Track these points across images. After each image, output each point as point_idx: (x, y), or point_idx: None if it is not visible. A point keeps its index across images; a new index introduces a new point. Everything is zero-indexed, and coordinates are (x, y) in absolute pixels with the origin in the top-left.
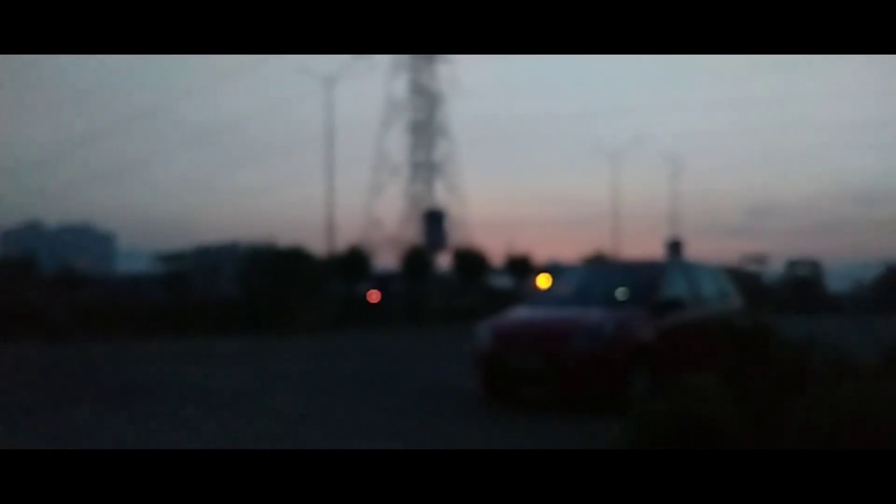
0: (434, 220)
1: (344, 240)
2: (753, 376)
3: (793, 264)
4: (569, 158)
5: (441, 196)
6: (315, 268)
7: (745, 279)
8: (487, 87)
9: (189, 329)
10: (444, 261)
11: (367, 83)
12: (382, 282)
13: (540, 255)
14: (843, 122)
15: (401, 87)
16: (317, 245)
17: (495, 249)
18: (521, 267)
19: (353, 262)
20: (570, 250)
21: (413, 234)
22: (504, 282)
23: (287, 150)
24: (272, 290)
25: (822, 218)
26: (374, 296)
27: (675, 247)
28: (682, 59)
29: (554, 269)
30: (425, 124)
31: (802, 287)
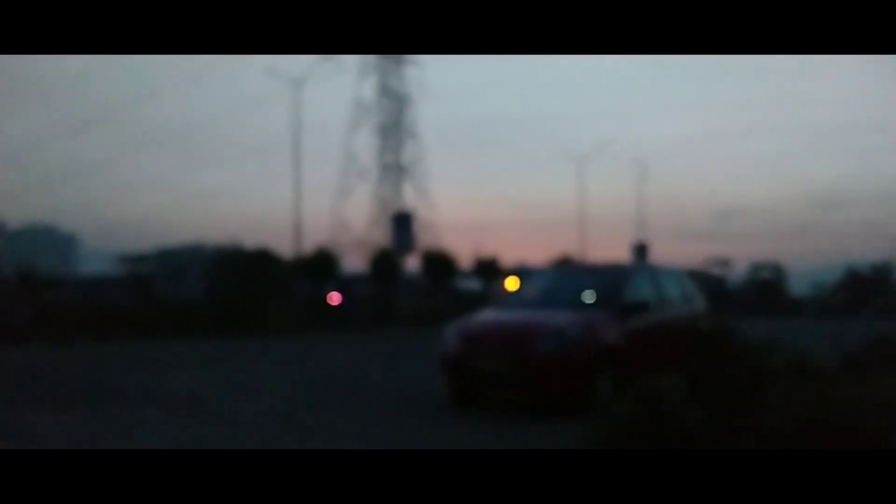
0: (402, 223)
1: (311, 242)
2: (716, 378)
3: (756, 267)
4: (537, 162)
5: (409, 198)
6: (281, 270)
7: (709, 282)
8: (456, 91)
9: (153, 332)
10: (412, 263)
11: (334, 85)
12: (343, 284)
13: (508, 258)
14: (807, 127)
15: (369, 89)
16: (283, 247)
17: (464, 252)
18: (490, 270)
19: (321, 265)
20: (538, 253)
21: (381, 236)
22: (472, 284)
23: (254, 151)
24: (238, 293)
25: (785, 222)
26: (334, 298)
27: (640, 250)
28: (648, 64)
29: (522, 272)
30: (393, 126)
31: (765, 290)
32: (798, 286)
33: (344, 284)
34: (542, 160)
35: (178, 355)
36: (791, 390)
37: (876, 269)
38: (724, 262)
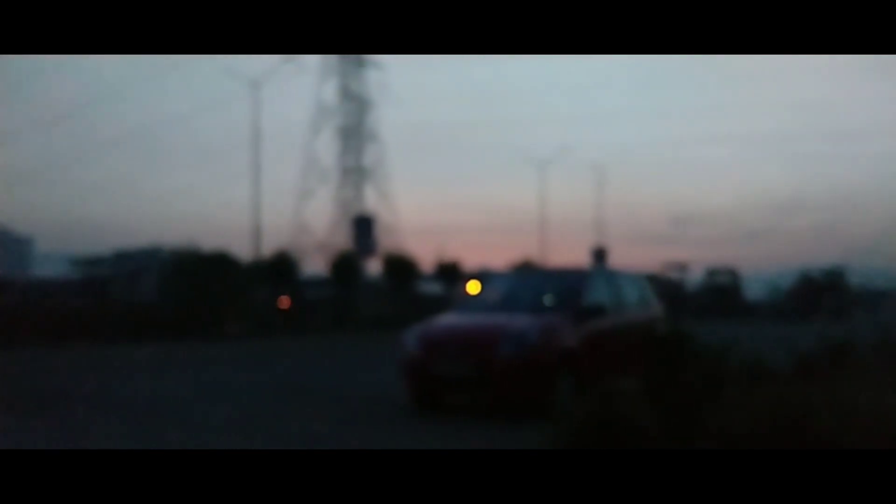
0: (363, 226)
1: (271, 245)
2: (673, 380)
3: (712, 272)
4: (498, 166)
5: (371, 202)
6: (240, 273)
7: (666, 286)
8: (418, 94)
9: (108, 336)
10: (373, 267)
11: (295, 87)
12: (293, 287)
13: (470, 261)
14: (762, 134)
15: (330, 91)
16: (243, 250)
17: (425, 256)
18: (452, 273)
19: (280, 268)
20: (500, 257)
21: (342, 239)
22: (434, 288)
23: (213, 153)
24: (195, 296)
25: (742, 227)
26: (284, 301)
27: (599, 254)
28: (609, 70)
29: (484, 276)
30: (355, 129)
31: (721, 294)
32: (753, 290)
33: (294, 288)
34: (503, 164)
35: (132, 359)
36: (745, 393)
37: (828, 273)
38: (682, 267)
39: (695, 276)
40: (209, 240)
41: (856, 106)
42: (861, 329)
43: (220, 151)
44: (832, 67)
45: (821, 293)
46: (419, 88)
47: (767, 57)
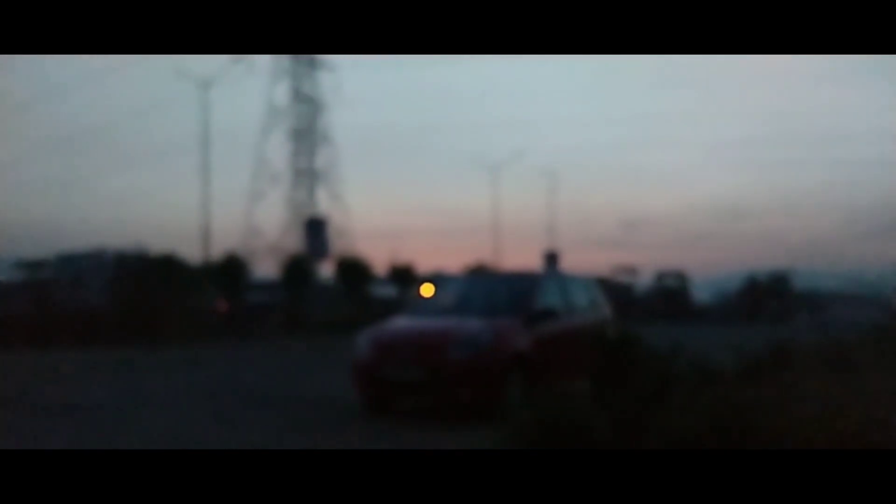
0: (315, 229)
1: (221, 248)
2: (621, 382)
3: (661, 275)
4: (451, 170)
5: (323, 204)
6: (189, 276)
7: (616, 289)
8: (371, 97)
9: (52, 341)
10: (326, 270)
11: (246, 88)
12: (235, 290)
13: (424, 264)
14: (710, 140)
15: (282, 92)
16: (191, 253)
17: (379, 259)
18: (405, 276)
19: (230, 271)
20: (454, 260)
21: (294, 242)
22: (388, 291)
23: (161, 154)
24: (142, 300)
25: (690, 231)
26: (221, 305)
27: (551, 258)
28: (558, 75)
29: (438, 279)
30: (307, 131)
31: (670, 297)
32: (701, 293)
33: (235, 291)
34: (457, 168)
35: (79, 365)
36: (692, 394)
37: (774, 277)
38: (631, 270)
39: (644, 280)
40: (157, 242)
41: (802, 113)
42: (804, 331)
43: (168, 152)
44: (780, 74)
45: (766, 296)
46: (372, 91)
47: (717, 64)
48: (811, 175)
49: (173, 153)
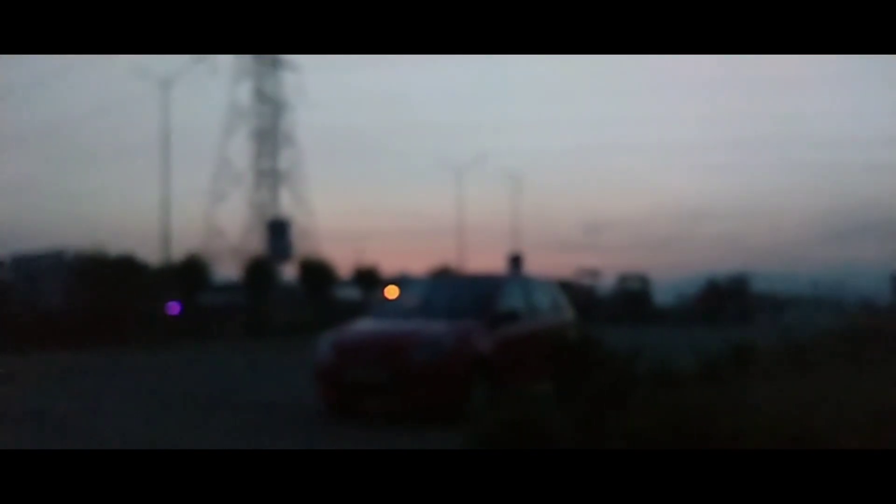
0: (278, 230)
1: (182, 249)
2: (583, 385)
3: (623, 278)
4: (416, 172)
5: (286, 206)
6: (148, 278)
7: (579, 292)
8: (335, 98)
9: (7, 344)
10: (289, 272)
11: (208, 87)
12: (185, 293)
13: (388, 267)
14: (669, 144)
15: (244, 93)
16: (151, 254)
17: (343, 261)
18: (369, 279)
19: (191, 272)
20: (419, 263)
21: (256, 243)
22: (351, 294)
23: (120, 154)
24: (100, 302)
25: (652, 234)
26: (173, 308)
27: (515, 261)
28: (521, 78)
29: (403, 282)
30: (270, 132)
31: (632, 300)
32: (663, 296)
33: (185, 293)
34: (421, 170)
35: (35, 370)
36: (652, 395)
37: (733, 279)
38: (594, 273)
39: (607, 283)
40: (116, 243)
41: (760, 117)
42: (763, 333)
43: (128, 152)
44: (740, 79)
45: (726, 299)
46: (336, 92)
47: (679, 68)
48: (769, 178)
49: (133, 153)
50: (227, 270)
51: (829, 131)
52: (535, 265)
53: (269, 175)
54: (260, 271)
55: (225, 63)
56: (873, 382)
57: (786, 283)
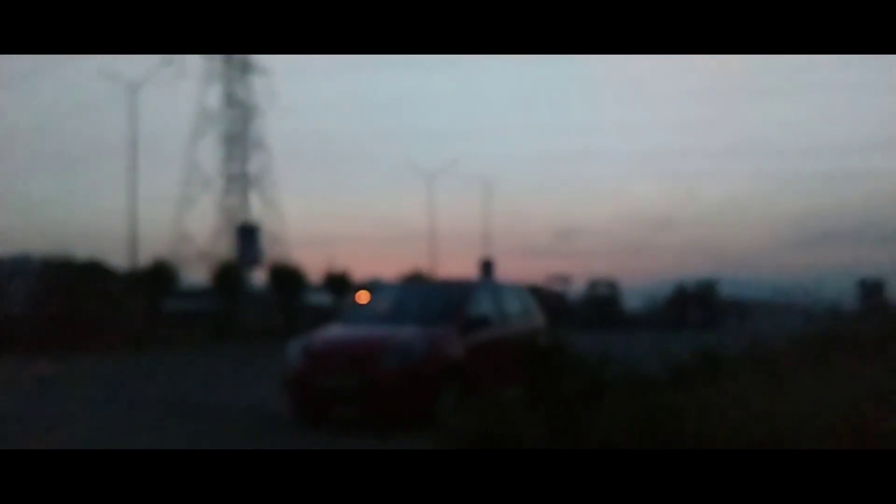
0: (247, 235)
1: (150, 254)
2: (553, 390)
3: (593, 284)
4: (387, 177)
5: (256, 210)
6: (115, 283)
7: (550, 297)
8: (306, 103)
9: None
10: (259, 277)
11: (176, 91)
12: (157, 297)
13: (360, 272)
14: (639, 151)
15: (214, 96)
16: (119, 259)
17: (314, 266)
18: (341, 284)
19: (159, 278)
20: (390, 268)
21: (225, 248)
22: (323, 299)
23: (86, 157)
24: (67, 307)
25: (621, 240)
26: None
27: (487, 266)
28: (492, 85)
29: (374, 287)
30: (239, 136)
31: (601, 305)
32: (632, 301)
33: (157, 298)
34: (392, 175)
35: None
36: (621, 400)
37: (701, 285)
38: (565, 279)
39: (577, 288)
40: (83, 248)
41: (729, 125)
42: (731, 338)
43: (95, 157)
44: (706, 86)
45: (694, 304)
46: (307, 97)
47: (650, 76)
48: (736, 185)
49: (100, 157)
50: (196, 276)
51: (795, 139)
52: (507, 271)
53: (238, 180)
54: (229, 276)
55: (194, 66)
56: (838, 387)
57: (753, 289)
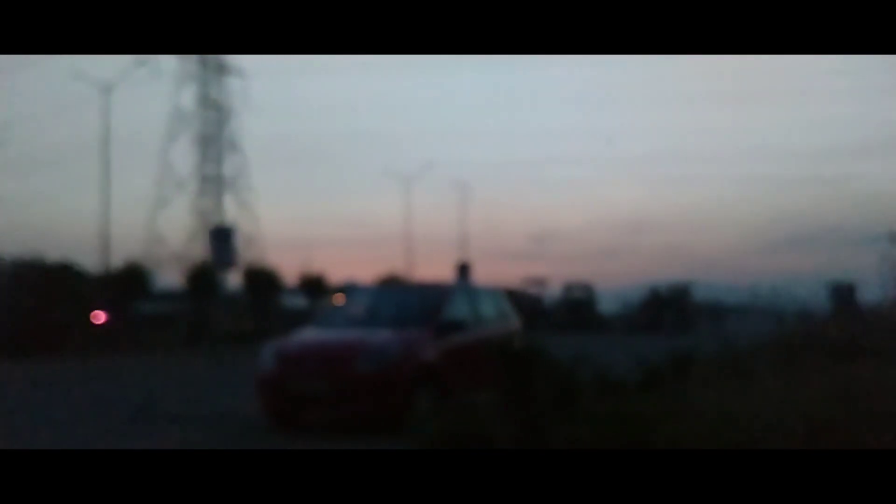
0: (222, 237)
1: (123, 256)
2: (526, 393)
3: (568, 287)
4: (364, 180)
5: (231, 212)
6: (87, 285)
7: (525, 301)
8: (280, 104)
9: None
10: (233, 280)
11: (150, 91)
12: (112, 301)
13: (336, 275)
14: (614, 157)
15: (188, 97)
16: (91, 261)
17: (289, 269)
18: (316, 287)
19: (131, 280)
20: (367, 271)
21: (199, 251)
22: (298, 302)
23: (58, 158)
24: (38, 310)
25: (596, 244)
26: (98, 316)
27: (463, 270)
28: (468, 89)
29: (350, 290)
30: (214, 138)
31: (577, 308)
32: (607, 304)
33: (112, 301)
34: (368, 178)
35: None
36: (594, 404)
37: (675, 289)
38: (541, 282)
39: (553, 292)
40: (54, 250)
41: (702, 130)
42: (704, 341)
43: (67, 157)
44: (684, 94)
45: (667, 308)
46: (283, 99)
47: (625, 82)
48: (710, 191)
49: (72, 158)
50: (169, 278)
51: (769, 145)
52: (483, 274)
53: (213, 181)
54: (203, 279)
55: (168, 66)
56: (809, 390)
57: (726, 293)
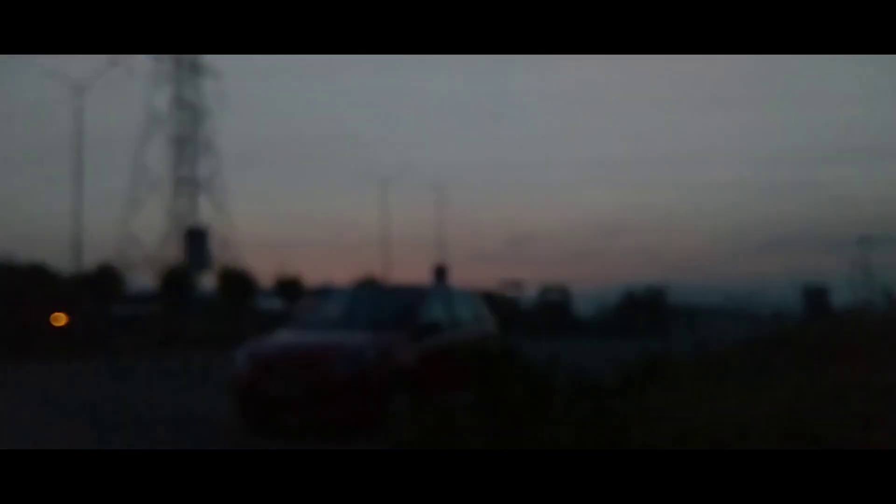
0: (196, 239)
1: (96, 258)
2: (501, 396)
3: (545, 290)
4: (340, 182)
5: (206, 214)
6: (59, 288)
7: (502, 303)
8: (256, 106)
9: None
10: (208, 282)
11: (124, 92)
12: (70, 302)
13: (312, 277)
14: (590, 160)
15: (163, 98)
16: (63, 263)
17: (265, 271)
18: (292, 289)
19: (104, 282)
20: (343, 273)
21: (174, 252)
22: (274, 304)
23: (30, 159)
24: (8, 312)
25: (572, 247)
26: (58, 318)
27: (440, 272)
28: (445, 92)
29: (326, 292)
30: (189, 139)
31: (553, 311)
32: (583, 307)
33: (70, 303)
34: (345, 180)
35: None
36: (569, 406)
37: (650, 292)
38: (517, 285)
39: (528, 294)
40: (25, 252)
41: (678, 135)
42: (678, 344)
43: (39, 158)
44: (661, 98)
45: (642, 310)
46: (258, 100)
47: (601, 86)
48: (685, 194)
49: (44, 158)
50: (143, 280)
51: (744, 149)
52: (460, 276)
53: (187, 183)
54: (177, 281)
55: (143, 67)
56: (782, 392)
57: (701, 296)
